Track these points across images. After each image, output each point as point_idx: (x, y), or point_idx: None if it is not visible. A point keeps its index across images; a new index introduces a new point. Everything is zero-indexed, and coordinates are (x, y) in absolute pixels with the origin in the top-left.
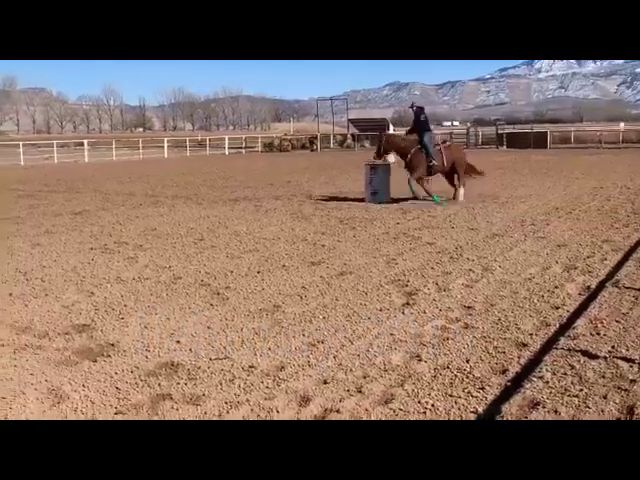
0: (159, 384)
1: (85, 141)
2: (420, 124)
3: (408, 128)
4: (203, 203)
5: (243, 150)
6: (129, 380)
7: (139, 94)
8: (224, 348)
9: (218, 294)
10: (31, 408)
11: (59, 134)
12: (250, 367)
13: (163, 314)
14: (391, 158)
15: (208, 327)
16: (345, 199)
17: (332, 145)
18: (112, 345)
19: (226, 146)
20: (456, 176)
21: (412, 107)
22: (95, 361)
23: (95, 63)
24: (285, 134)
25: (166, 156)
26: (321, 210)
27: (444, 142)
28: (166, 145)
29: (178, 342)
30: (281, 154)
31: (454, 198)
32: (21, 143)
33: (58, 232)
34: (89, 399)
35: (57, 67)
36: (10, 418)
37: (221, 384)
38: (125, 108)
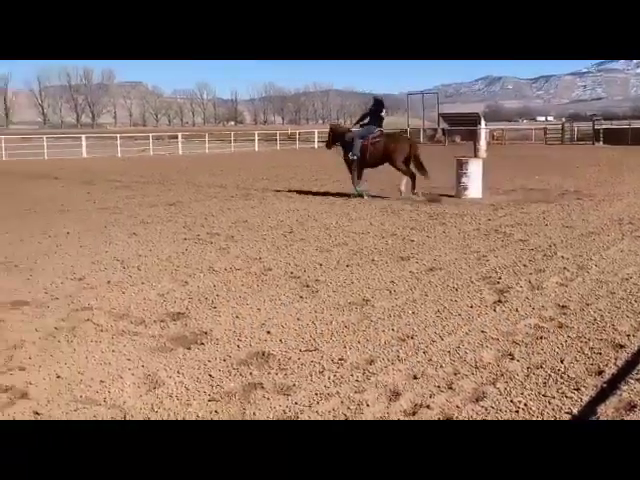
0: (251, 373)
1: (179, 134)
2: (369, 117)
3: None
4: (293, 196)
5: None
6: (222, 368)
7: (231, 88)
8: (314, 340)
9: (307, 286)
10: (128, 392)
11: (154, 127)
12: (340, 360)
13: (254, 304)
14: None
15: (298, 319)
16: (436, 194)
17: (422, 139)
18: (205, 333)
19: (315, 140)
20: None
21: (375, 100)
22: (189, 348)
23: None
24: None
25: (257, 149)
26: (410, 204)
27: (374, 136)
28: (257, 138)
29: (269, 332)
30: None
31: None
32: (118, 135)
33: (153, 222)
34: (184, 385)
35: (153, 61)
36: (109, 402)
37: (311, 375)
38: (218, 102)
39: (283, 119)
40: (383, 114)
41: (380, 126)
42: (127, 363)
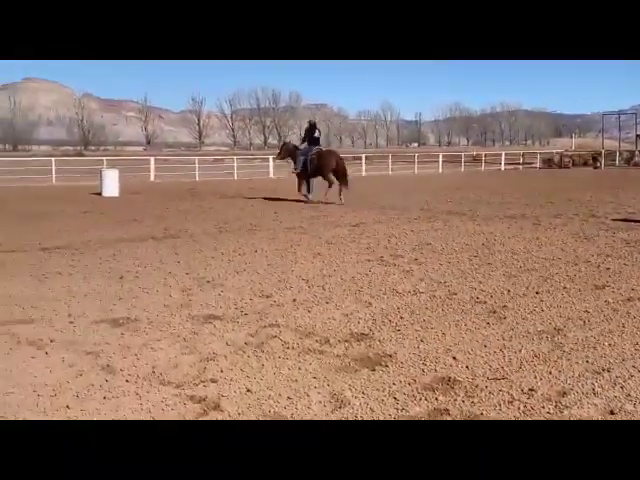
0: (436, 398)
1: (363, 155)
2: (309, 138)
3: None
4: (478, 219)
5: (520, 166)
6: (407, 392)
7: (415, 109)
8: (502, 368)
9: (494, 313)
10: (314, 410)
11: (338, 148)
12: (530, 390)
13: (439, 329)
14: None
15: (485, 345)
16: (633, 220)
17: (617, 162)
18: (390, 356)
19: (502, 162)
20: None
21: (309, 124)
22: (374, 370)
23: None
24: (566, 150)
25: (440, 171)
26: (605, 230)
27: (312, 154)
28: (441, 160)
29: (454, 358)
30: (561, 170)
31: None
32: None
33: (337, 243)
34: (369, 407)
35: (339, 83)
36: (296, 418)
37: (499, 405)
38: (401, 123)
39: (468, 140)
40: (316, 135)
41: (317, 144)
42: (313, 381)
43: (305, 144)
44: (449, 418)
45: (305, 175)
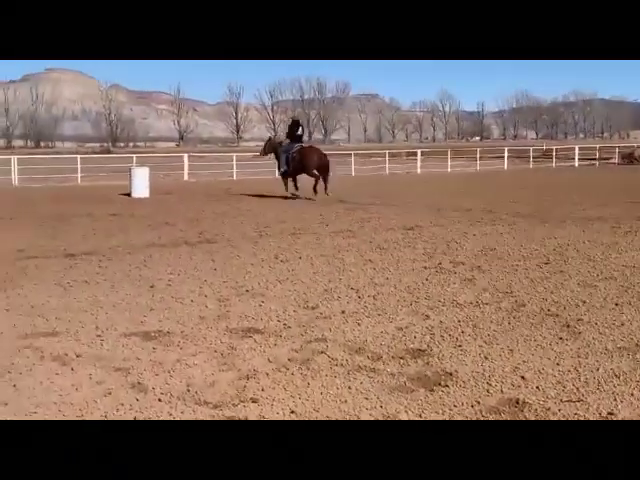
0: None
1: (418, 151)
2: (291, 134)
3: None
4: (549, 221)
5: (596, 162)
6: (469, 415)
7: (477, 99)
8: (577, 389)
9: (568, 327)
10: None
11: (390, 142)
12: (609, 414)
13: (505, 345)
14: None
15: (557, 364)
16: None
17: None
18: (450, 374)
19: (576, 157)
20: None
21: (292, 120)
22: (432, 390)
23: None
24: None
25: (506, 167)
26: None
27: (294, 151)
28: (506, 155)
29: (523, 378)
30: None
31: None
32: (353, 153)
33: (390, 248)
34: None
35: (392, 72)
36: None
37: None
38: (461, 114)
39: (537, 133)
40: (299, 132)
41: (299, 141)
42: (364, 402)
43: (287, 141)
44: None
45: (290, 173)
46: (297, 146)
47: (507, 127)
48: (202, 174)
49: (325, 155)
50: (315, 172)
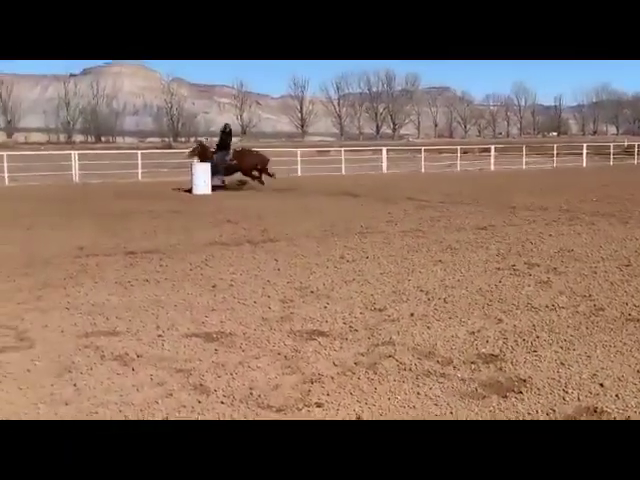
0: None
1: (492, 147)
2: (221, 142)
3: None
4: (630, 221)
5: None
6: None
7: (555, 92)
8: None
9: None
10: None
11: (461, 138)
12: None
13: (582, 350)
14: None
15: (638, 371)
16: None
17: None
18: (524, 381)
19: None
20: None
21: (225, 129)
22: (505, 397)
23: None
24: None
25: (584, 164)
26: None
27: (230, 158)
28: (585, 152)
29: (602, 385)
30: None
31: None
32: (422, 148)
33: (461, 248)
34: None
35: (463, 63)
36: None
37: None
38: (537, 109)
39: (617, 128)
40: (230, 141)
41: (228, 149)
42: (434, 408)
43: (218, 153)
44: None
45: (224, 174)
46: (230, 153)
47: (586, 122)
48: None
49: (263, 156)
50: (255, 173)
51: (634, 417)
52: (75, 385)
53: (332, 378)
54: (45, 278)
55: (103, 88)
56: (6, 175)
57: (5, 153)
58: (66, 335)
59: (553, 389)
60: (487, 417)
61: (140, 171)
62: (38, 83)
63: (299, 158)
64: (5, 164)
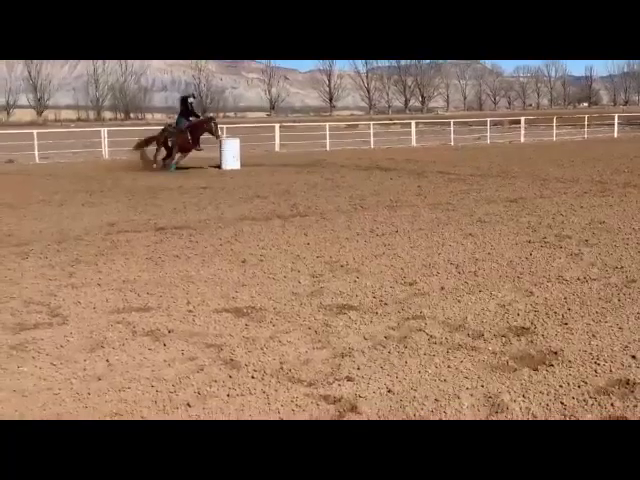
0: (612, 404)
1: (522, 118)
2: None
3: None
4: None
5: None
6: (576, 396)
7: (586, 63)
8: None
9: None
10: (466, 414)
11: (491, 110)
12: None
13: (614, 322)
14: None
15: None
16: None
17: None
18: (555, 353)
19: None
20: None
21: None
22: (536, 370)
23: None
24: None
25: (616, 135)
26: None
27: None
28: (616, 122)
29: (634, 357)
30: None
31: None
32: (452, 121)
33: (492, 221)
34: (530, 412)
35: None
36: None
37: None
38: (568, 79)
39: None
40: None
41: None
42: (465, 381)
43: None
44: None
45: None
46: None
47: (617, 93)
48: (294, 145)
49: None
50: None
51: None
52: (107, 361)
53: (363, 352)
54: (77, 254)
55: (131, 65)
56: (37, 153)
57: (35, 131)
58: (98, 311)
59: (585, 361)
60: (518, 390)
61: None
62: (67, 61)
63: (327, 132)
64: (35, 142)
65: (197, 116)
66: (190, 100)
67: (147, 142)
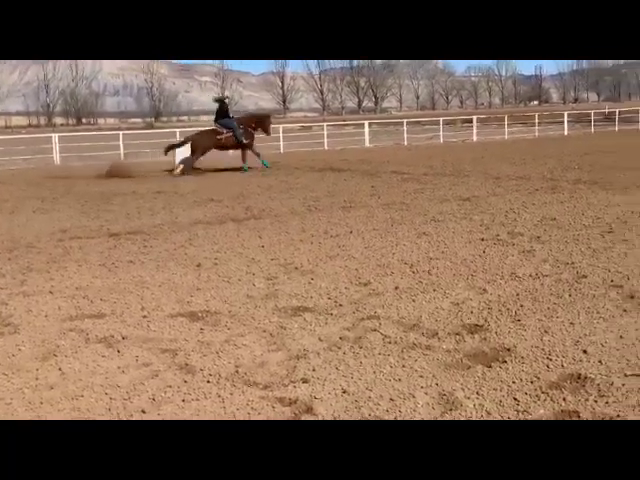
0: (564, 399)
1: (474, 117)
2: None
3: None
4: (612, 189)
5: None
6: (529, 391)
7: (535, 62)
8: None
9: (632, 298)
10: (421, 413)
11: (444, 110)
12: None
13: (566, 318)
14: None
15: (621, 336)
16: None
17: None
18: (508, 350)
19: None
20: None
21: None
22: (490, 367)
23: None
24: None
25: (566, 133)
26: None
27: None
28: (566, 120)
29: (585, 352)
30: None
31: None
32: (405, 121)
33: (445, 220)
34: (484, 409)
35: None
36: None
37: (639, 405)
38: (518, 78)
39: (598, 96)
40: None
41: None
42: (419, 380)
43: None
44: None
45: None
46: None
47: (567, 90)
48: None
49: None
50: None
51: (617, 382)
52: (60, 369)
53: (318, 354)
54: (28, 262)
55: (82, 69)
56: None
57: None
58: (50, 319)
59: (537, 357)
60: (472, 387)
61: (122, 152)
62: (17, 67)
63: (281, 134)
64: None
65: (230, 117)
66: (227, 101)
67: (177, 146)
